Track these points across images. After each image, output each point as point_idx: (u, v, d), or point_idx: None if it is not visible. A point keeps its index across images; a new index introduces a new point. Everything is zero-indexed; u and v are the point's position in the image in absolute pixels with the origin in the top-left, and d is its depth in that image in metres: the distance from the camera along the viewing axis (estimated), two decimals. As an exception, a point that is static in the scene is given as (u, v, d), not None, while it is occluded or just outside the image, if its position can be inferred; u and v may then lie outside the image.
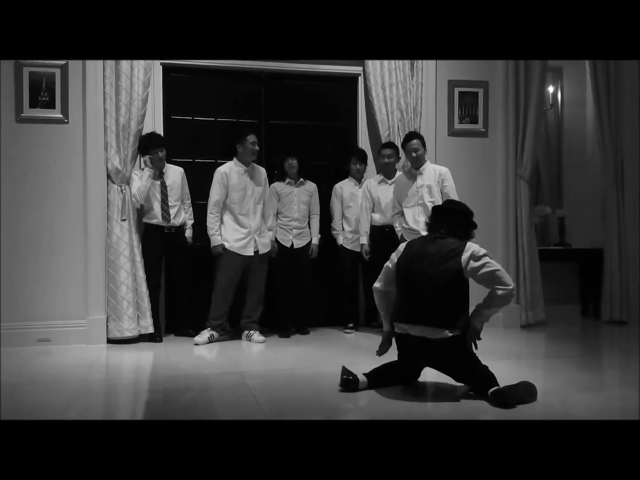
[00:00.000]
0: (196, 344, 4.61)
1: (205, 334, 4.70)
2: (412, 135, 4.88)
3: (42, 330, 4.67)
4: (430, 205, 4.67)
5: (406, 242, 3.39)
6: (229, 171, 4.78)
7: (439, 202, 4.68)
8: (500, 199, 5.52)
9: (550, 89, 6.51)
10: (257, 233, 4.84)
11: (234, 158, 4.84)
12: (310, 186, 5.17)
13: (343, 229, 5.30)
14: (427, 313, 3.06)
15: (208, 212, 4.81)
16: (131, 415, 3.04)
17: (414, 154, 4.78)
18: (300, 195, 5.10)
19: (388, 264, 3.35)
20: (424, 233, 4.63)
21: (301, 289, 5.13)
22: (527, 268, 5.51)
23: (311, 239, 5.15)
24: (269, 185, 5.06)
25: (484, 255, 3.08)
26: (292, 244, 5.08)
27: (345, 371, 3.24)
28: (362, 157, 5.31)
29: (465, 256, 3.07)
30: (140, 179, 4.76)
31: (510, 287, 3.03)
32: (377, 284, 3.39)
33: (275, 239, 5.07)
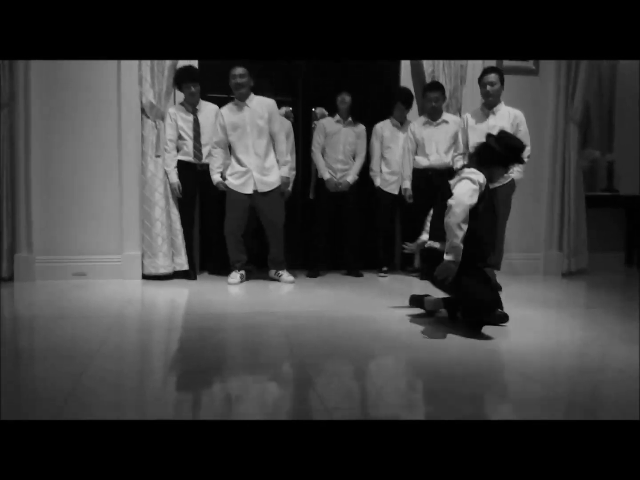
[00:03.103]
0: (229, 284, 4.63)
1: (235, 275, 4.70)
2: (490, 69, 4.61)
3: (78, 265, 4.72)
4: None
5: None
6: (225, 111, 4.66)
7: None
8: (548, 141, 5.29)
9: (607, 24, 6.10)
10: (257, 171, 4.65)
11: None
12: (359, 127, 5.08)
13: (381, 171, 5.16)
14: None
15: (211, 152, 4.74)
16: (164, 352, 3.06)
17: (489, 88, 4.54)
18: (347, 136, 5.03)
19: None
20: None
21: (349, 230, 5.09)
22: (572, 214, 5.32)
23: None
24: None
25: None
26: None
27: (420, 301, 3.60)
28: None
29: None
30: (172, 126, 4.68)
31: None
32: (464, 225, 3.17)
33: (322, 179, 5.02)
